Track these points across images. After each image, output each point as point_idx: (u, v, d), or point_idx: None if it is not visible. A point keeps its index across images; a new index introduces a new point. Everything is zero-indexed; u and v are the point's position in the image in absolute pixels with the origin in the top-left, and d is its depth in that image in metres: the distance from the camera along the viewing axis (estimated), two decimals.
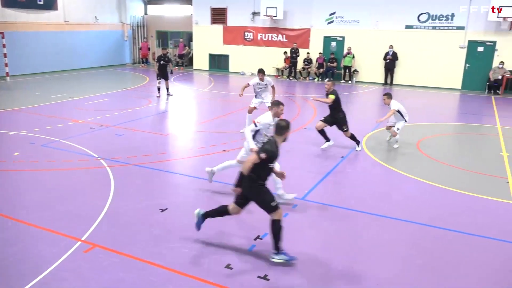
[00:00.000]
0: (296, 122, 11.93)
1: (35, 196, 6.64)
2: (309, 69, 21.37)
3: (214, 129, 11.17)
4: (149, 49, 25.80)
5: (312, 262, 4.93)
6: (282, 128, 4.86)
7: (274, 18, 21.41)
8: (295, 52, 21.05)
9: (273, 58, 22.23)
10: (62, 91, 15.96)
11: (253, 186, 4.83)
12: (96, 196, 6.62)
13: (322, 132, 9.20)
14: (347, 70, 20.60)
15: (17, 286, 4.29)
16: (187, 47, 25.09)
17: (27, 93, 15.41)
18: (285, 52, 21.37)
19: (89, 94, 15.45)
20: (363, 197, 6.92)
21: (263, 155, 4.61)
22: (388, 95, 9.43)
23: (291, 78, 21.33)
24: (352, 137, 9.28)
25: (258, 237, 5.41)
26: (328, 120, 9.16)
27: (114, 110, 12.84)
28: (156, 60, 15.23)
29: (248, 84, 10.35)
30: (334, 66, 20.67)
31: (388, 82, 20.05)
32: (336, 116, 9.08)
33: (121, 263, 4.78)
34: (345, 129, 9.12)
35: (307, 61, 21.26)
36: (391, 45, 19.52)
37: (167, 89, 15.34)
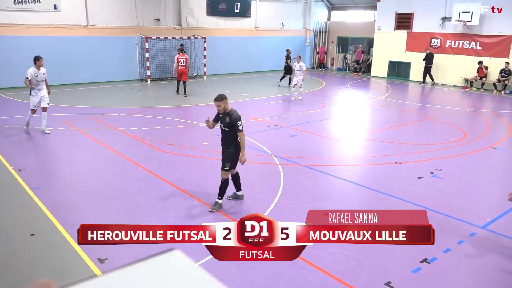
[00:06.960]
0: (484, 139, 10.55)
1: (215, 182, 7.46)
2: (506, 81, 18.63)
3: (386, 138, 10.72)
4: (325, 53, 26.26)
5: None
6: None
7: (468, 23, 19.34)
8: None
9: (461, 67, 20.12)
10: (246, 90, 17.55)
11: None
12: (266, 190, 7.08)
13: None
14: None
15: (197, 258, 4.89)
16: (364, 54, 24.61)
17: (218, 91, 17.26)
18: (481, 62, 19.07)
19: (270, 95, 16.58)
20: None
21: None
22: None
23: (482, 90, 18.97)
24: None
25: (425, 260, 4.98)
26: None
27: (290, 112, 13.49)
28: None
29: None
30: None
31: None
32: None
33: None
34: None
35: (505, 72, 18.56)
36: None
37: None
